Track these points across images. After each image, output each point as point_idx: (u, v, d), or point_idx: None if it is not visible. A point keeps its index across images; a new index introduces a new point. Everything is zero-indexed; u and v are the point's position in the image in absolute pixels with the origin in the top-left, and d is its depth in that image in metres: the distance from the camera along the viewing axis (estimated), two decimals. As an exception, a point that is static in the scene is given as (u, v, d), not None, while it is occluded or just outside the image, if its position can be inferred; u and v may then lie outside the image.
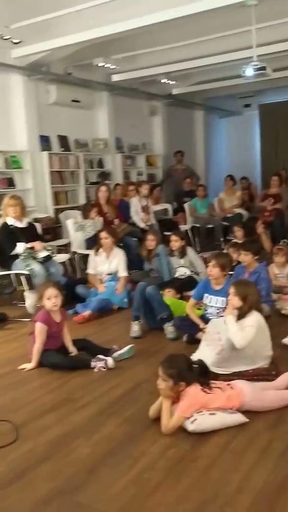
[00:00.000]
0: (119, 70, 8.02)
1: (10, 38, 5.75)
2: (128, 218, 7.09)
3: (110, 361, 3.54)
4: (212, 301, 3.92)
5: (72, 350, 3.68)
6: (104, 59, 7.29)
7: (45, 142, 7.61)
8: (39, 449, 2.53)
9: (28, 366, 3.57)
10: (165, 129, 10.55)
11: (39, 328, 3.54)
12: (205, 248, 7.67)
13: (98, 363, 3.53)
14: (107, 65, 7.39)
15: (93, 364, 3.54)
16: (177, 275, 5.19)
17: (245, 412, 2.70)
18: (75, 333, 3.93)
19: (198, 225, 8.27)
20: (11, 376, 3.48)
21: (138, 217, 7.16)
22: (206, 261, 4.26)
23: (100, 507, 2.07)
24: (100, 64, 7.32)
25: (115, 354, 3.62)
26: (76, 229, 6.24)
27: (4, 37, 5.71)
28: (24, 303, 4.96)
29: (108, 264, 5.28)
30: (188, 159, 10.49)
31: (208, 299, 3.95)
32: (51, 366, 3.53)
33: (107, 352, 3.66)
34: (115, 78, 8.46)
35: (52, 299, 3.58)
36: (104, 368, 3.52)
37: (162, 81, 9.14)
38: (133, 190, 7.59)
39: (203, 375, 2.74)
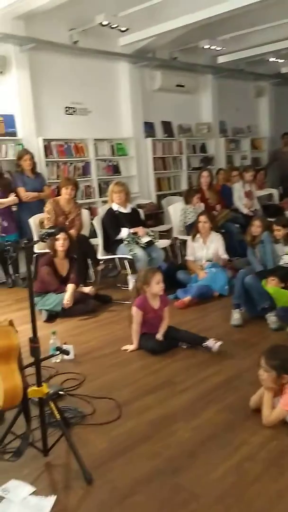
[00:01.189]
0: (225, 52, 7.83)
1: (117, 26, 5.85)
2: (230, 204, 6.96)
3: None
4: None
5: (159, 337, 3.68)
6: (209, 41, 7.15)
7: (149, 128, 7.71)
8: (140, 428, 2.62)
9: (130, 347, 3.70)
10: (272, 110, 10.14)
11: (134, 313, 3.69)
12: (312, 235, 7.25)
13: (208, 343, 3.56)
14: (212, 47, 7.25)
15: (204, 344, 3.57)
16: (281, 263, 4.99)
17: None
18: (175, 318, 3.97)
19: (305, 211, 7.85)
20: (114, 356, 3.63)
21: (241, 203, 7.02)
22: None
23: (199, 491, 2.09)
24: (205, 47, 7.19)
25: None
26: (178, 217, 6.25)
27: (112, 26, 5.82)
28: (127, 286, 5.12)
29: (206, 250, 5.26)
30: (297, 142, 9.97)
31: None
32: (147, 351, 3.62)
33: (200, 341, 3.63)
34: (221, 59, 8.29)
35: (158, 284, 3.63)
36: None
37: (270, 60, 8.74)
38: (236, 176, 7.43)
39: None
